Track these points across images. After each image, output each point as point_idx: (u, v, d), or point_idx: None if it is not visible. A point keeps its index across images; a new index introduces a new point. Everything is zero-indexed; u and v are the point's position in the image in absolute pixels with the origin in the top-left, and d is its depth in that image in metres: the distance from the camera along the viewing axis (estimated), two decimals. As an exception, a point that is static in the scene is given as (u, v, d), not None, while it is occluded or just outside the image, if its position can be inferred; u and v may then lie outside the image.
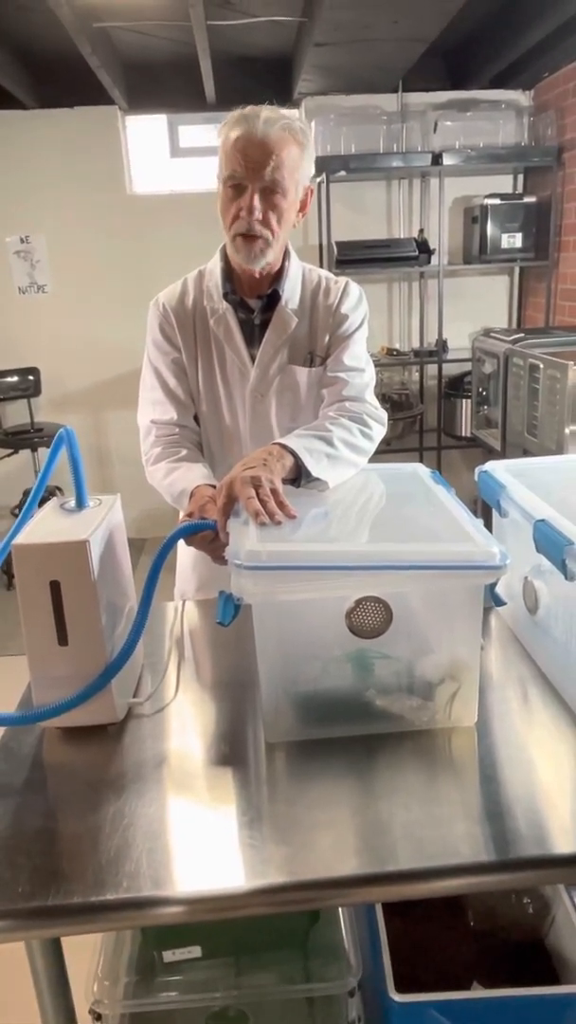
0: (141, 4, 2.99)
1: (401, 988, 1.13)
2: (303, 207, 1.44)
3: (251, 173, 1.32)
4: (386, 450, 1.39)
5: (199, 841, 0.88)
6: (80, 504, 1.12)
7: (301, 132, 1.35)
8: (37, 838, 0.89)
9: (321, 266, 4.07)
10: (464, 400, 4.22)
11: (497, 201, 4.05)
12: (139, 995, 1.08)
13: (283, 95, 4.11)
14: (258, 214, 1.35)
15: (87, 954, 1.13)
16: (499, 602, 1.09)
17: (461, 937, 1.32)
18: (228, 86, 3.89)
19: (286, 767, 1.00)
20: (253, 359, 1.51)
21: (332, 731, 1.04)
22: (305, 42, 3.36)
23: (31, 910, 0.80)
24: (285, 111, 1.36)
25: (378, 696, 1.03)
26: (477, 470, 1.35)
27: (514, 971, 1.28)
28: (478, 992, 1.22)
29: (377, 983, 1.16)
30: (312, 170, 1.42)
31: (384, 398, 4.04)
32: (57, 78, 3.93)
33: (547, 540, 1.05)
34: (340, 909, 1.19)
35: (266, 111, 1.33)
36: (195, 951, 1.07)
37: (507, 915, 1.33)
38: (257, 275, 1.45)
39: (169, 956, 1.07)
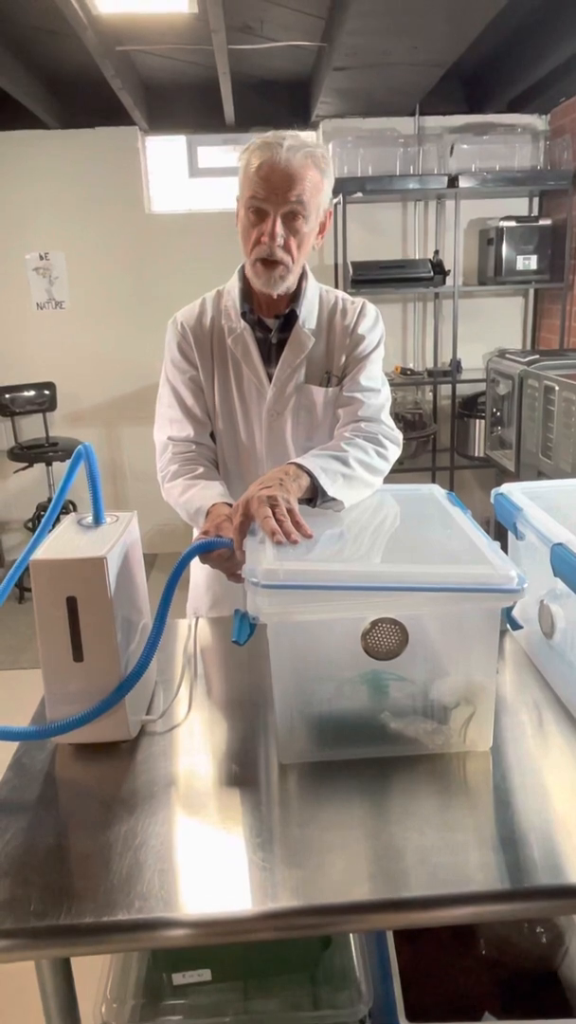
0: (164, 28, 3.04)
1: (411, 1017, 1.12)
2: (322, 230, 1.45)
3: (273, 199, 1.34)
4: (399, 469, 1.39)
5: (211, 862, 0.88)
6: (97, 520, 1.13)
7: (323, 159, 1.37)
8: (49, 856, 0.89)
9: (336, 286, 4.10)
10: (478, 420, 4.23)
11: (513, 223, 4.07)
12: (147, 1018, 1.07)
13: (301, 118, 4.16)
14: (280, 240, 1.36)
15: (96, 973, 1.12)
16: (515, 626, 1.08)
17: (473, 966, 1.30)
18: (247, 108, 3.95)
19: (299, 789, 1.00)
20: (270, 378, 1.52)
21: (346, 753, 1.03)
22: (324, 66, 3.40)
23: (43, 929, 0.79)
24: (306, 137, 1.38)
25: (393, 718, 1.03)
26: (493, 492, 1.35)
27: (526, 1002, 1.26)
28: (490, 1023, 1.20)
29: (387, 1012, 1.14)
30: (331, 194, 1.44)
31: (398, 417, 4.04)
32: (79, 99, 4.01)
33: (564, 564, 1.05)
34: (352, 935, 1.17)
35: (289, 138, 1.34)
36: (205, 974, 1.06)
37: (520, 945, 1.31)
38: (275, 296, 1.47)
39: (179, 979, 1.06)
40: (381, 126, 4.18)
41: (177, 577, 1.11)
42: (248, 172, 1.36)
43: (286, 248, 1.38)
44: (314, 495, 1.27)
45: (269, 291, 1.44)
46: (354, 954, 1.15)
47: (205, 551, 1.23)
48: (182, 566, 1.13)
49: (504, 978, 1.29)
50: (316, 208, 1.39)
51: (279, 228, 1.36)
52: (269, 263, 1.39)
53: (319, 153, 1.36)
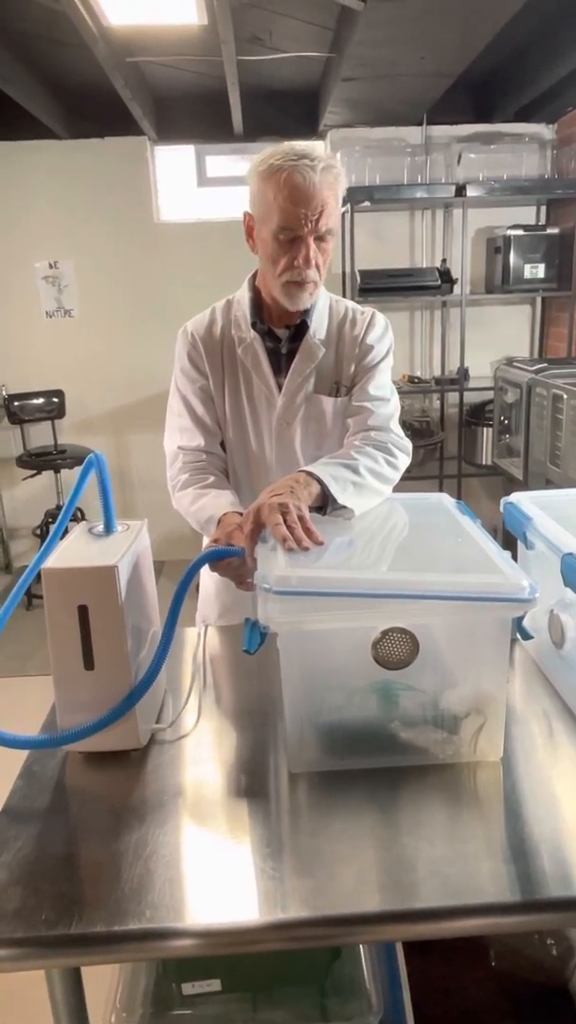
0: (174, 39, 3.07)
1: (421, 1029, 1.11)
2: None
3: (308, 226, 1.34)
4: (406, 477, 1.40)
5: (221, 872, 0.88)
6: (108, 529, 1.13)
7: (337, 168, 1.38)
8: (60, 864, 0.89)
9: (344, 294, 4.11)
10: (485, 428, 4.22)
11: (520, 232, 4.08)
12: (155, 1028, 1.06)
13: (309, 127, 4.19)
14: (313, 263, 1.38)
15: (105, 982, 1.12)
16: (526, 635, 1.08)
17: (482, 978, 1.29)
18: (256, 118, 3.97)
19: (308, 798, 0.99)
20: (280, 388, 1.52)
21: (356, 763, 1.03)
22: (332, 76, 3.42)
23: (53, 938, 0.79)
24: (318, 150, 1.38)
25: (403, 728, 1.03)
26: (503, 501, 1.34)
27: (536, 1015, 1.25)
28: (499, 1036, 1.19)
29: None
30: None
31: (405, 425, 4.03)
32: (89, 110, 4.04)
33: (575, 574, 1.04)
34: (361, 946, 1.17)
35: (311, 160, 1.33)
36: (214, 984, 1.05)
37: (530, 957, 1.30)
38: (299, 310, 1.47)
39: (188, 989, 1.06)
40: (389, 135, 4.20)
41: (187, 585, 1.11)
42: (277, 199, 1.33)
43: (317, 267, 1.40)
44: (324, 503, 1.28)
45: (297, 309, 1.45)
46: (363, 965, 1.15)
47: (215, 559, 1.24)
48: (192, 574, 1.13)
49: (514, 991, 1.28)
50: (338, 222, 1.40)
51: (312, 252, 1.37)
52: (300, 284, 1.40)
53: (334, 162, 1.37)
